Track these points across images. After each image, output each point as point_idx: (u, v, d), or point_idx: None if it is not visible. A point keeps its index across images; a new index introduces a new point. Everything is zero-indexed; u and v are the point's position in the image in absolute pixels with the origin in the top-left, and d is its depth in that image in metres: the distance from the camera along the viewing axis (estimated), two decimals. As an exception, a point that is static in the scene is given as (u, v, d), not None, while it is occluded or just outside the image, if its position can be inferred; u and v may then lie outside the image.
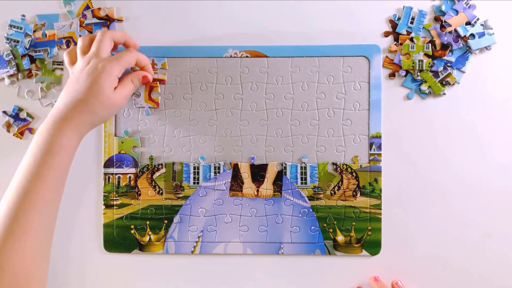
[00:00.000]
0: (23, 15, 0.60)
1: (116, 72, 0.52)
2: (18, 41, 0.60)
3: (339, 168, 0.59)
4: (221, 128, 0.60)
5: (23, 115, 0.61)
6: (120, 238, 0.60)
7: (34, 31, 0.60)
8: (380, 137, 0.59)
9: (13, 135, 0.61)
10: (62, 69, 0.60)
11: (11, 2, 0.61)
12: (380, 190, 0.59)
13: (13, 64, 0.60)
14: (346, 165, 0.59)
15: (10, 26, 0.60)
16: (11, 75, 0.60)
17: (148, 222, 0.60)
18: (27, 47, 0.60)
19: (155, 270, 0.60)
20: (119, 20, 0.61)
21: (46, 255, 0.49)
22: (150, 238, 0.60)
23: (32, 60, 0.60)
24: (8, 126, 0.61)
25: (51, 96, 0.61)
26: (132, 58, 0.54)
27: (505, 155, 0.60)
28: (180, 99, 0.60)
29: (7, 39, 0.60)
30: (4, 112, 0.61)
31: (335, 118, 0.59)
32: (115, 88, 0.53)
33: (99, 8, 0.61)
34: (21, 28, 0.60)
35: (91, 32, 0.60)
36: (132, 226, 0.60)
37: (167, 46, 0.60)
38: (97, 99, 0.51)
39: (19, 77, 0.60)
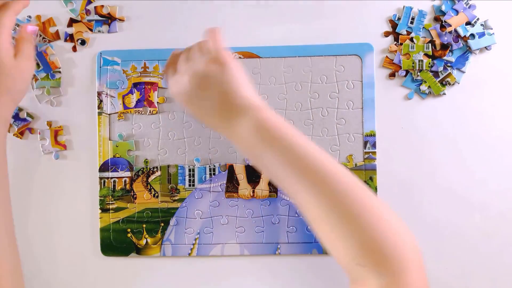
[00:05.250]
0: (29, 16, 0.60)
1: (4, 38, 0.50)
2: None
3: (334, 167, 0.59)
4: (216, 129, 0.60)
5: (23, 115, 0.61)
6: (117, 242, 0.60)
7: (37, 35, 0.60)
8: (374, 135, 0.59)
9: (13, 135, 0.61)
10: (60, 72, 0.61)
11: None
12: (376, 189, 0.59)
13: None
14: (341, 164, 0.59)
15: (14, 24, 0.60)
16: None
17: (144, 225, 0.60)
18: None
19: (152, 273, 0.60)
20: (121, 20, 0.61)
21: (10, 246, 0.49)
22: (147, 241, 0.60)
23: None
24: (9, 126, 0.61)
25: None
26: (11, 15, 0.51)
27: (505, 155, 0.59)
28: (174, 102, 0.60)
29: None
30: (5, 112, 0.61)
31: (329, 117, 0.59)
32: (15, 55, 0.52)
33: (102, 6, 0.61)
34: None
35: (91, 30, 0.60)
36: (129, 230, 0.60)
37: (159, 49, 0.60)
38: (3, 74, 0.50)
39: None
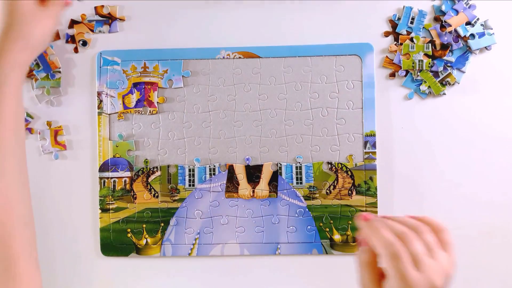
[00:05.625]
0: None
1: None
2: None
3: (334, 167, 0.59)
4: (216, 129, 0.60)
5: (23, 115, 0.61)
6: (117, 242, 0.60)
7: None
8: (374, 135, 0.59)
9: (13, 135, 0.61)
10: (60, 72, 0.61)
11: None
12: (376, 189, 0.59)
13: None
14: (341, 164, 0.59)
15: None
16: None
17: (144, 225, 0.60)
18: None
19: (152, 273, 0.60)
20: (121, 20, 0.61)
21: (23, 195, 0.47)
22: (147, 241, 0.60)
23: (34, 59, 0.60)
24: (8, 126, 0.61)
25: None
26: None
27: (505, 155, 0.59)
28: (174, 102, 0.60)
29: None
30: (3, 113, 0.61)
31: (329, 117, 0.59)
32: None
33: (102, 6, 0.61)
34: None
35: (92, 31, 0.61)
36: (129, 230, 0.60)
37: (159, 49, 0.60)
38: (20, 21, 0.47)
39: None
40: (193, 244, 0.60)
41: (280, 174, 0.60)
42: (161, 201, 0.60)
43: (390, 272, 0.36)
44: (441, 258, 0.37)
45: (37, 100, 0.61)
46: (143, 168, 0.60)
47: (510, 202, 0.59)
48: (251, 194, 0.60)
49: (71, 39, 0.61)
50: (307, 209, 0.59)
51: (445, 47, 0.59)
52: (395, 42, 0.60)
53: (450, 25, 0.59)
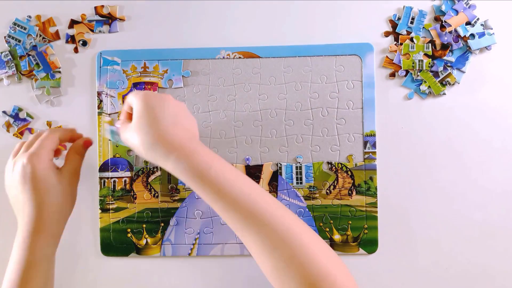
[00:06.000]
0: (29, 16, 0.60)
1: (45, 157, 0.51)
2: (20, 41, 0.60)
3: (334, 167, 0.59)
4: (216, 129, 0.60)
5: (22, 115, 0.61)
6: (117, 242, 0.60)
7: (37, 35, 0.61)
8: (374, 135, 0.59)
9: (13, 135, 0.61)
10: (60, 72, 0.61)
11: (15, 1, 0.61)
12: (376, 189, 0.59)
13: (11, 64, 0.60)
14: (341, 164, 0.59)
15: (14, 24, 0.60)
16: (10, 76, 0.60)
17: (144, 225, 0.60)
18: (27, 48, 0.60)
19: (152, 273, 0.60)
20: (121, 19, 0.61)
21: None
22: (147, 241, 0.60)
23: (34, 59, 0.60)
24: (8, 126, 0.61)
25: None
26: (54, 138, 0.53)
27: (504, 154, 0.59)
28: (174, 102, 0.60)
29: (9, 36, 0.60)
30: (4, 112, 0.61)
31: (329, 117, 0.59)
32: (60, 168, 0.53)
33: (102, 6, 0.61)
34: (25, 29, 0.60)
35: (92, 31, 0.61)
36: (129, 230, 0.60)
37: (159, 49, 0.60)
38: (49, 197, 0.50)
39: (16, 78, 0.60)
40: (193, 244, 0.60)
41: (280, 174, 0.60)
42: (161, 201, 0.60)
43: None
44: None
45: (37, 100, 0.61)
46: (143, 168, 0.60)
47: (510, 202, 0.59)
48: (251, 194, 0.60)
49: (71, 39, 0.61)
50: (307, 209, 0.59)
51: (445, 47, 0.59)
52: (395, 42, 0.60)
53: (450, 25, 0.59)
